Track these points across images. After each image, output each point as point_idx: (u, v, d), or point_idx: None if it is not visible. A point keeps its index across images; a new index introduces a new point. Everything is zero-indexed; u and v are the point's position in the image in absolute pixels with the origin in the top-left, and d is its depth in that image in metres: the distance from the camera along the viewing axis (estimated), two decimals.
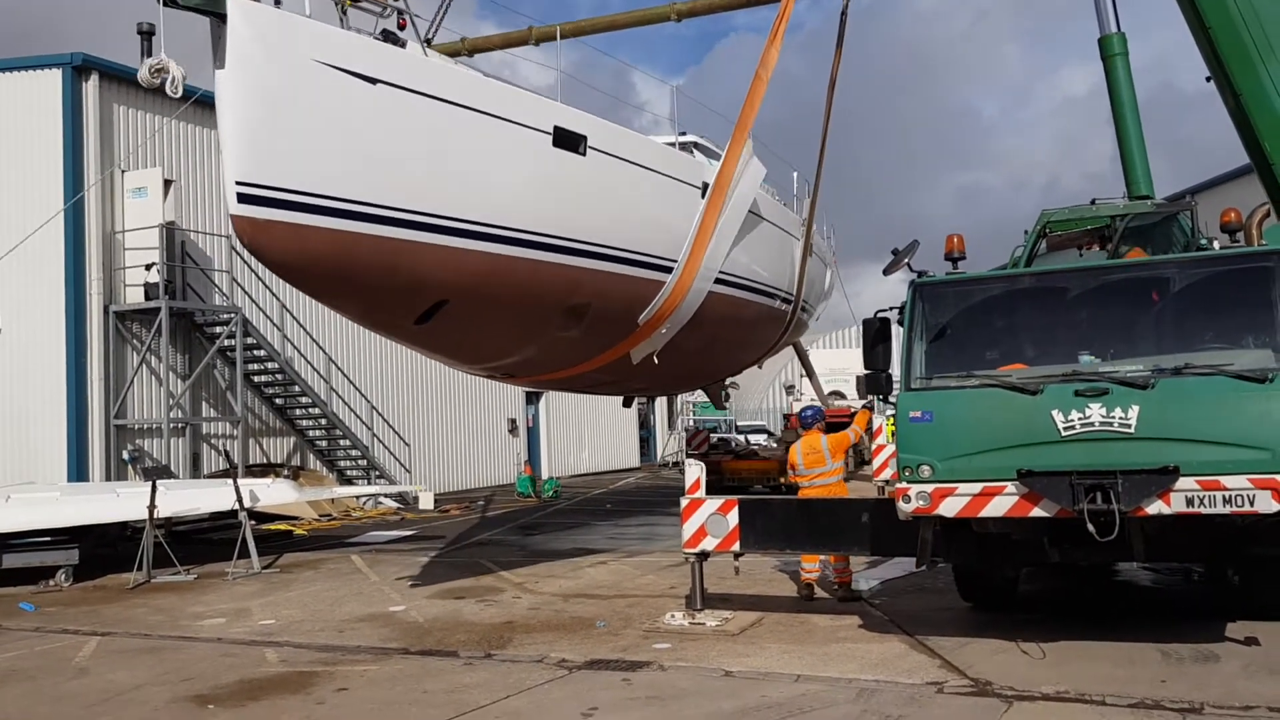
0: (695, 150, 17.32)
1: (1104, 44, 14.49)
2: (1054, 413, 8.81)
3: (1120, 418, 8.64)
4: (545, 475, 32.03)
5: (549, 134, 12.12)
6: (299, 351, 24.58)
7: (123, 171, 21.29)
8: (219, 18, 9.64)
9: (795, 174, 20.35)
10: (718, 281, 15.47)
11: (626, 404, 24.26)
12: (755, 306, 17.63)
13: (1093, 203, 12.01)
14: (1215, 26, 13.33)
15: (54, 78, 20.76)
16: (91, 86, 20.70)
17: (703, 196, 14.65)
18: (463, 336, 13.10)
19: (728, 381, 23.58)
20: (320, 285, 11.58)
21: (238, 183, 9.90)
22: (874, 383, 10.30)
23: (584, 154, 12.50)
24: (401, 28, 11.47)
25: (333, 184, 10.39)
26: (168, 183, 21.43)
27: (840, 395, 29.79)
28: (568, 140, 12.34)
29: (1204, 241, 11.28)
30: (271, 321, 23.78)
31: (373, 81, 10.46)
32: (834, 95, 17.47)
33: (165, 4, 9.64)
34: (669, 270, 14.34)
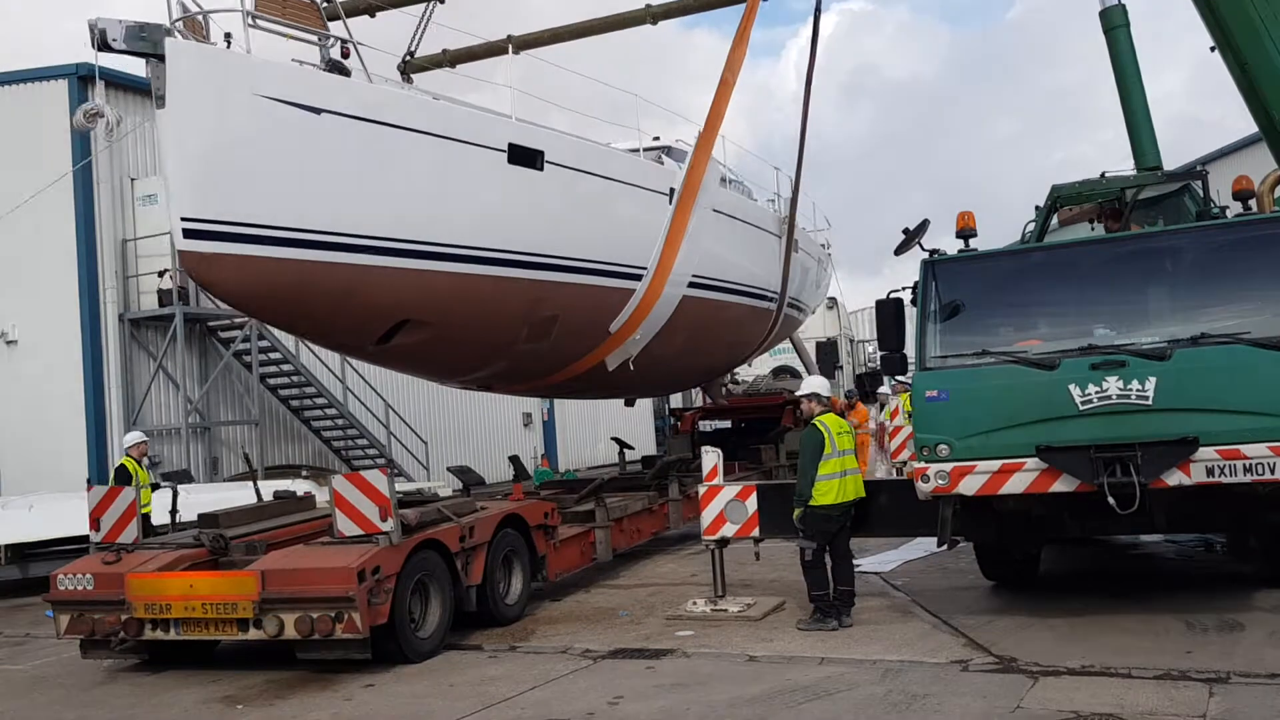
0: (668, 155, 17.23)
1: (1105, 17, 14.36)
2: (1071, 387, 8.78)
3: (1138, 389, 8.61)
4: (562, 468, 32.02)
5: (503, 151, 12.06)
6: (313, 353, 24.62)
7: (132, 180, 21.38)
8: (158, 59, 9.64)
9: (776, 171, 20.18)
10: (693, 285, 15.35)
11: (629, 404, 23.99)
12: (735, 307, 17.42)
13: (1102, 175, 11.94)
14: None
15: (60, 88, 20.83)
16: (98, 96, 20.71)
17: (670, 202, 14.59)
18: (428, 354, 13.07)
19: (724, 379, 23.25)
20: (274, 314, 11.69)
21: (183, 219, 9.97)
22: (889, 363, 10.28)
23: (541, 169, 12.44)
24: (345, 56, 11.46)
25: (280, 214, 10.39)
26: None
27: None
28: (523, 156, 12.25)
29: (1216, 210, 11.22)
30: None
31: (317, 112, 10.47)
32: (810, 92, 17.46)
33: (100, 49, 9.69)
34: (639, 278, 14.30)
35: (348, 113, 10.70)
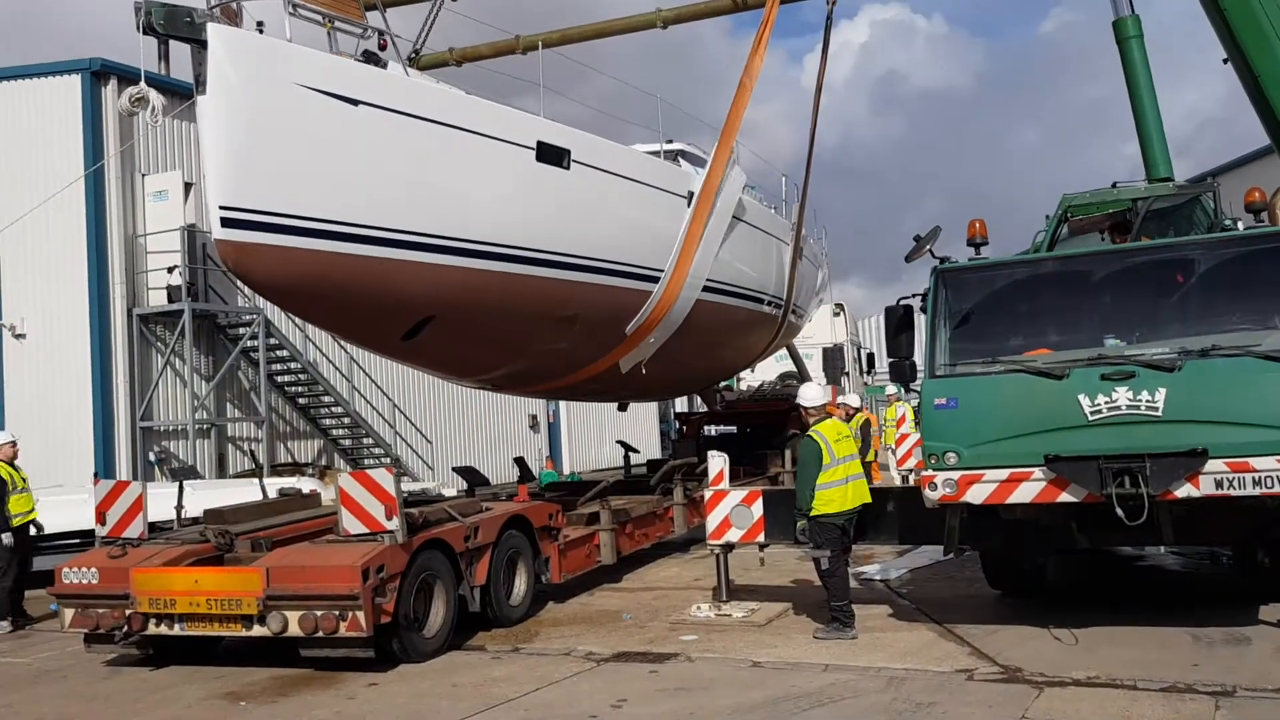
0: (682, 158, 17.19)
1: (1118, 27, 14.36)
2: (1080, 397, 8.76)
3: (1147, 400, 8.59)
4: (567, 470, 32.03)
5: (532, 149, 12.07)
6: (321, 351, 24.68)
7: (143, 175, 21.43)
8: (199, 44, 9.61)
9: (784, 178, 20.16)
10: (706, 289, 15.35)
11: (622, 408, 23.91)
12: (744, 312, 17.45)
13: (1114, 186, 11.93)
14: (1229, 7, 13.20)
15: (73, 83, 20.89)
16: (110, 91, 20.82)
17: (688, 205, 14.62)
18: (450, 351, 13.08)
19: (721, 385, 23.16)
20: (305, 306, 11.67)
21: (221, 207, 9.88)
22: (898, 370, 10.26)
23: (568, 168, 12.45)
24: (383, 48, 11.45)
25: (316, 205, 10.39)
26: (188, 185, 21.51)
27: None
28: (551, 155, 12.26)
29: (1228, 222, 11.20)
30: (293, 322, 23.81)
31: (354, 103, 10.44)
32: (819, 101, 17.41)
33: (144, 32, 9.64)
34: (656, 280, 14.31)
35: (384, 105, 10.70)
